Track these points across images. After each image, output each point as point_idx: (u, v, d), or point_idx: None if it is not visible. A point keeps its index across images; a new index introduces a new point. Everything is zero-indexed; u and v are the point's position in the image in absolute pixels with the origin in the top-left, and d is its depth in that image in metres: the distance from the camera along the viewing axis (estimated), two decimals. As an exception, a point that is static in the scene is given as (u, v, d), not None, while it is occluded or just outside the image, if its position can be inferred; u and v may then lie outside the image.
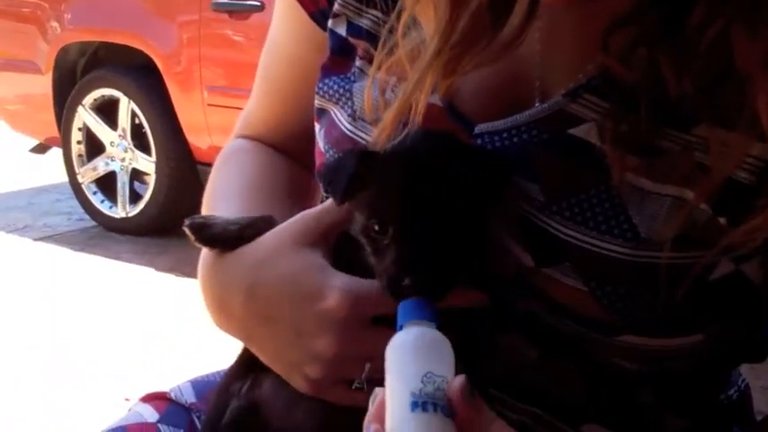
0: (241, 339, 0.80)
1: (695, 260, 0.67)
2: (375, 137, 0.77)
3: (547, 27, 0.74)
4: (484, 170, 0.69)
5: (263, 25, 4.07)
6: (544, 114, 0.72)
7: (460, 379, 0.59)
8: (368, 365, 0.71)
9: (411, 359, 0.61)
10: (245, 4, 4.06)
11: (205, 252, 0.81)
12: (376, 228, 0.69)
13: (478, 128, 0.75)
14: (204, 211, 0.93)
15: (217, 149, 4.29)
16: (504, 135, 0.73)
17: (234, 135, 1.06)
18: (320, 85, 0.87)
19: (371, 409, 0.62)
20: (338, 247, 0.76)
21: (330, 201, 0.76)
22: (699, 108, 0.66)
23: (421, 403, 0.59)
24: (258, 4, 4.00)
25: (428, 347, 0.62)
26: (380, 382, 0.62)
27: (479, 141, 0.74)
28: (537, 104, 0.73)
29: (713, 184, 0.66)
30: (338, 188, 0.71)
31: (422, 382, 0.60)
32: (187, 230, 0.78)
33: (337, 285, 0.71)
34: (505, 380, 0.75)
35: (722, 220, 0.67)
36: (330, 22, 0.86)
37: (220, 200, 0.92)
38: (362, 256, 0.72)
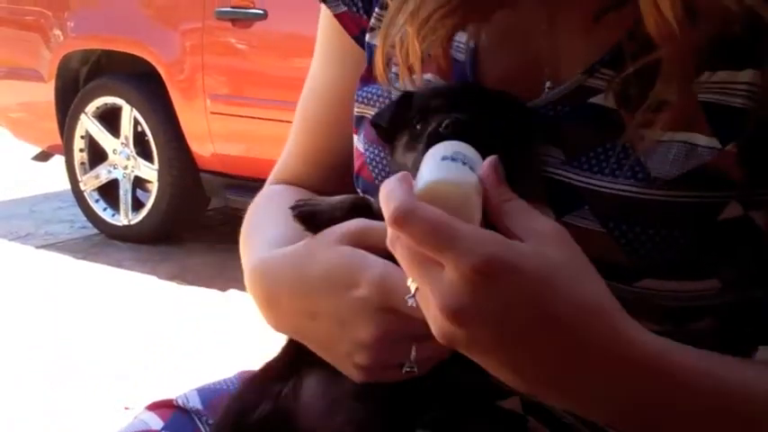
0: (292, 335, 0.83)
1: (704, 199, 0.72)
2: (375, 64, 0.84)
3: (550, 17, 0.80)
4: (518, 114, 0.76)
5: (265, 33, 4.09)
6: (566, 91, 0.77)
7: (493, 157, 0.63)
8: (414, 347, 0.72)
9: (443, 145, 0.65)
10: (249, 12, 4.07)
11: (248, 256, 0.87)
12: (418, 127, 0.73)
13: None
14: (242, 247, 0.94)
15: (219, 157, 4.29)
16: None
17: (269, 181, 1.06)
18: (359, 93, 0.90)
19: None
20: None
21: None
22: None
23: (450, 157, 0.62)
24: (261, 12, 4.01)
25: (461, 145, 0.65)
26: (431, 364, 0.63)
27: None
28: (547, 85, 0.79)
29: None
30: (385, 117, 0.79)
31: (453, 154, 0.63)
32: (296, 220, 0.79)
33: (370, 271, 0.72)
34: None
35: (730, 147, 0.71)
36: (367, 37, 0.90)
37: (255, 232, 0.94)
38: None
